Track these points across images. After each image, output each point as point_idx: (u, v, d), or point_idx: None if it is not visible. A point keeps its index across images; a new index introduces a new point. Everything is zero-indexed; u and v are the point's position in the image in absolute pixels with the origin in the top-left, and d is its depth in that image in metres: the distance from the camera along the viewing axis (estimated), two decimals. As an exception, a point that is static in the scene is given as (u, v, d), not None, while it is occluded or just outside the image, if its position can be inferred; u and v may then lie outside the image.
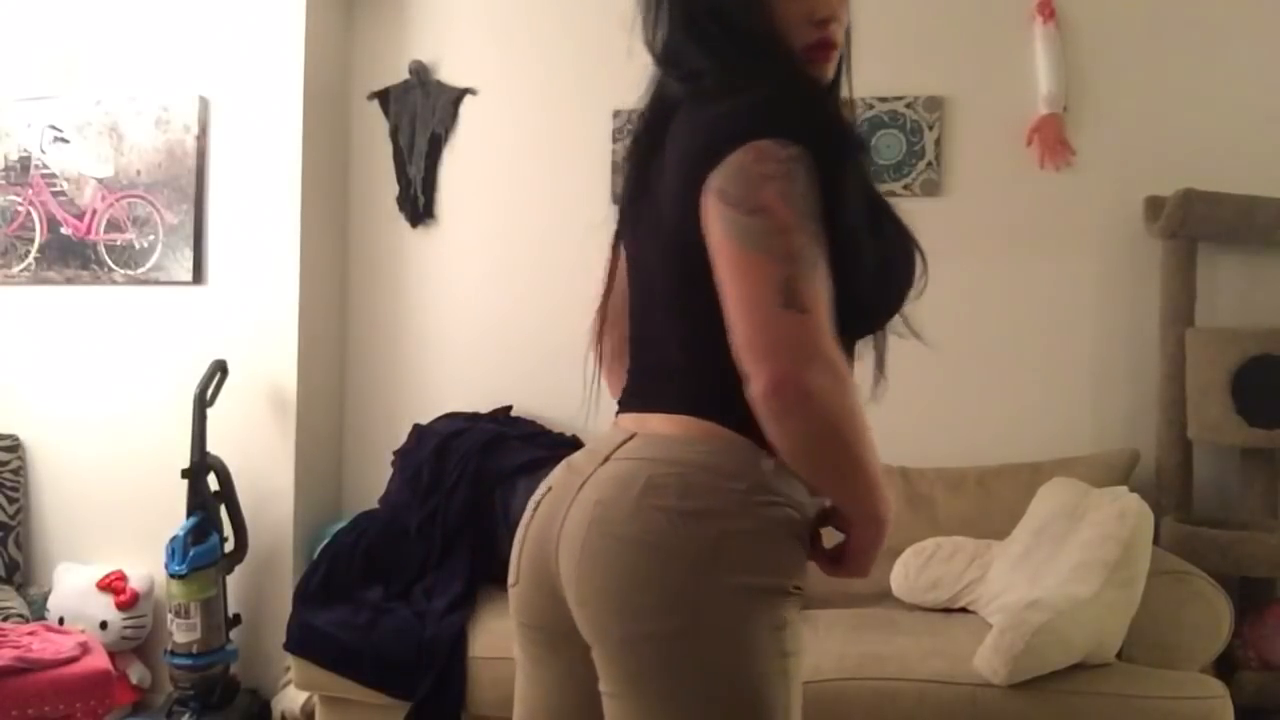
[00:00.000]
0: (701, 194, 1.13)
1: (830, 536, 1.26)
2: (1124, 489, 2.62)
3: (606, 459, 1.24)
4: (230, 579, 3.24)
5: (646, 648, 1.16)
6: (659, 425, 1.24)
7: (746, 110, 1.14)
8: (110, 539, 3.47)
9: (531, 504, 1.33)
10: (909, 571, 2.85)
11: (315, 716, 2.87)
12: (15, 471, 3.52)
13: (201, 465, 3.18)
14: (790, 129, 1.12)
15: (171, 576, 3.10)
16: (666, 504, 1.16)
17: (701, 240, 1.15)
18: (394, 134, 3.60)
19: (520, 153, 3.54)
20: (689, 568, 1.15)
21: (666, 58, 1.29)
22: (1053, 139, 3.19)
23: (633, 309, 1.37)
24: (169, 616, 3.14)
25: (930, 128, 3.27)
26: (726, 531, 1.16)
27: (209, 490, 3.19)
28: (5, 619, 3.13)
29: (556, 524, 1.25)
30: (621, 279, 1.43)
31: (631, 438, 1.25)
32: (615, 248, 1.43)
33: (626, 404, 1.35)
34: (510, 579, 1.34)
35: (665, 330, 1.28)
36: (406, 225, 3.59)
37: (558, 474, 1.32)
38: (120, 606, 3.28)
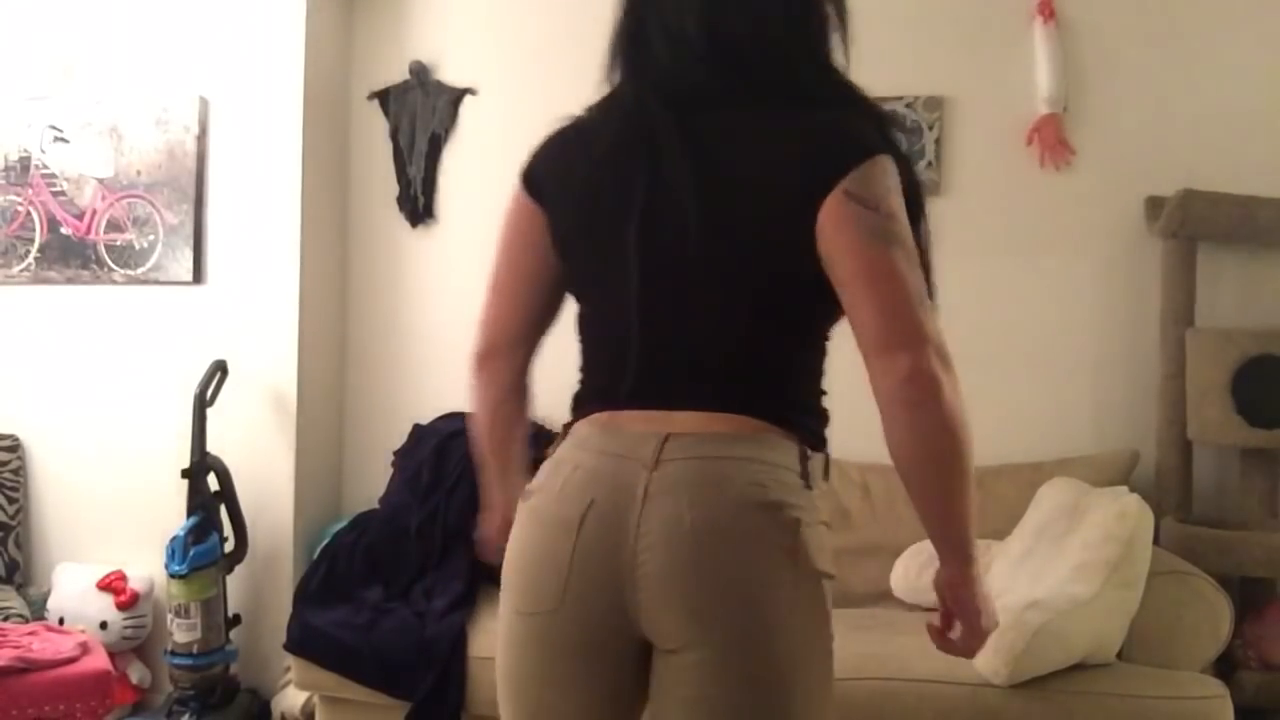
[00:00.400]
0: (826, 194, 1.18)
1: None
2: (1124, 489, 2.62)
3: (658, 463, 1.21)
4: (230, 579, 3.24)
5: (763, 642, 1.19)
6: (703, 424, 1.23)
7: (872, 126, 1.25)
8: (110, 539, 3.46)
9: (558, 523, 1.25)
10: (909, 571, 2.86)
11: (315, 716, 2.87)
12: (15, 471, 3.52)
13: (201, 465, 3.17)
14: (894, 148, 1.25)
15: (171, 576, 3.10)
16: (761, 500, 1.20)
17: (804, 237, 1.19)
18: (394, 134, 3.60)
19: (520, 153, 3.48)
20: (790, 561, 1.20)
21: (764, 60, 1.27)
22: (1053, 139, 3.19)
23: (633, 305, 1.28)
24: (169, 616, 3.14)
25: (930, 128, 3.27)
26: (807, 523, 1.22)
27: (209, 490, 3.19)
28: (5, 619, 3.13)
29: (628, 538, 1.21)
30: (539, 284, 1.38)
31: (668, 437, 1.22)
32: (529, 250, 1.38)
33: (622, 400, 1.28)
34: (542, 605, 1.26)
35: (708, 328, 1.26)
36: (406, 225, 3.59)
37: (589, 485, 1.25)
38: (120, 606, 3.28)
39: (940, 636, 1.31)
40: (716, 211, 1.23)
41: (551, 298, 1.41)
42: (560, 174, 1.37)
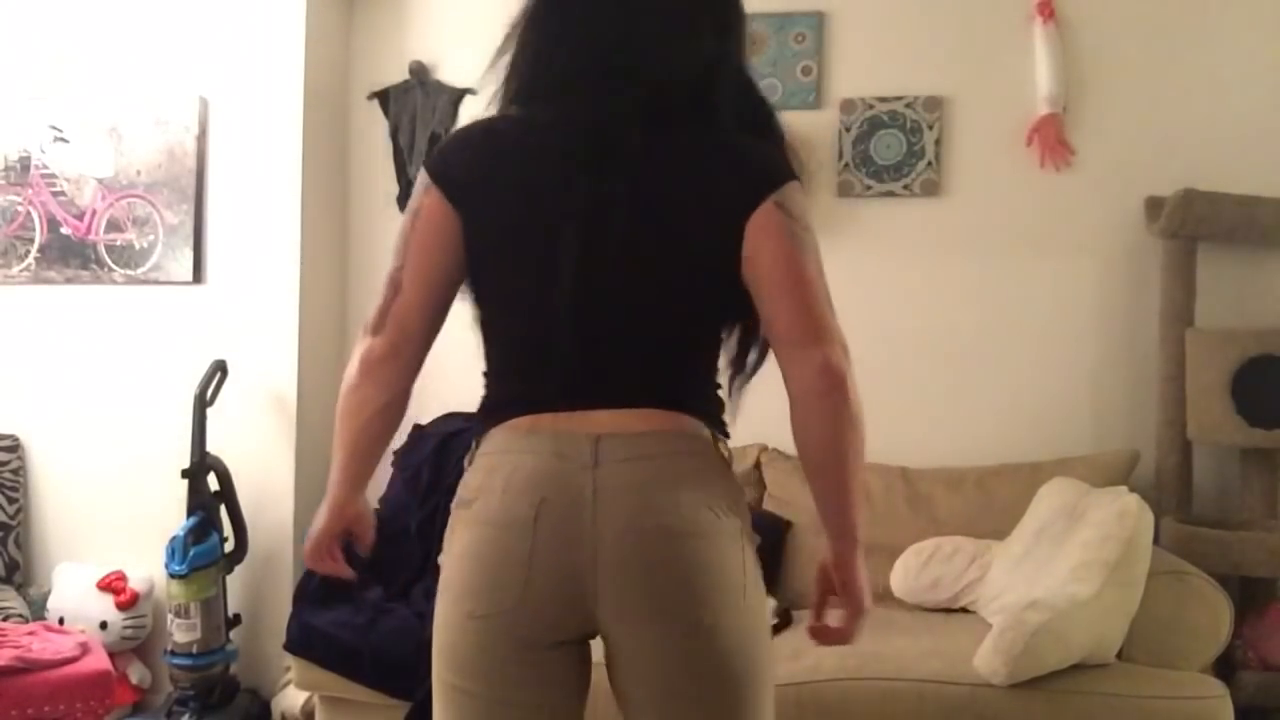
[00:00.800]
0: (758, 206, 1.30)
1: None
2: (1124, 489, 2.62)
3: (597, 463, 1.27)
4: (230, 579, 3.24)
5: (724, 620, 1.27)
6: (627, 422, 1.30)
7: (786, 155, 1.39)
8: (110, 539, 3.46)
9: (510, 524, 1.27)
10: (909, 571, 2.85)
11: (315, 716, 2.87)
12: (15, 471, 3.52)
13: (201, 465, 3.18)
14: (799, 175, 1.38)
15: (171, 576, 3.10)
16: (707, 493, 1.31)
17: (732, 244, 1.30)
18: (394, 134, 3.60)
19: (520, 153, 3.53)
20: (737, 545, 1.31)
21: (728, 94, 1.37)
22: (1053, 139, 3.19)
23: (565, 311, 1.30)
24: (169, 616, 3.14)
25: (930, 128, 3.27)
26: (743, 503, 1.35)
27: (209, 490, 3.19)
28: (5, 619, 3.13)
29: (585, 537, 1.26)
30: (444, 285, 1.37)
31: (600, 438, 1.28)
32: (437, 250, 1.35)
33: (544, 403, 1.31)
34: (501, 605, 1.28)
35: (637, 331, 1.32)
36: (406, 225, 3.59)
37: (535, 485, 1.27)
38: (120, 606, 3.28)
39: (820, 631, 1.40)
40: (652, 224, 1.30)
41: (449, 299, 1.40)
42: (482, 179, 1.35)
